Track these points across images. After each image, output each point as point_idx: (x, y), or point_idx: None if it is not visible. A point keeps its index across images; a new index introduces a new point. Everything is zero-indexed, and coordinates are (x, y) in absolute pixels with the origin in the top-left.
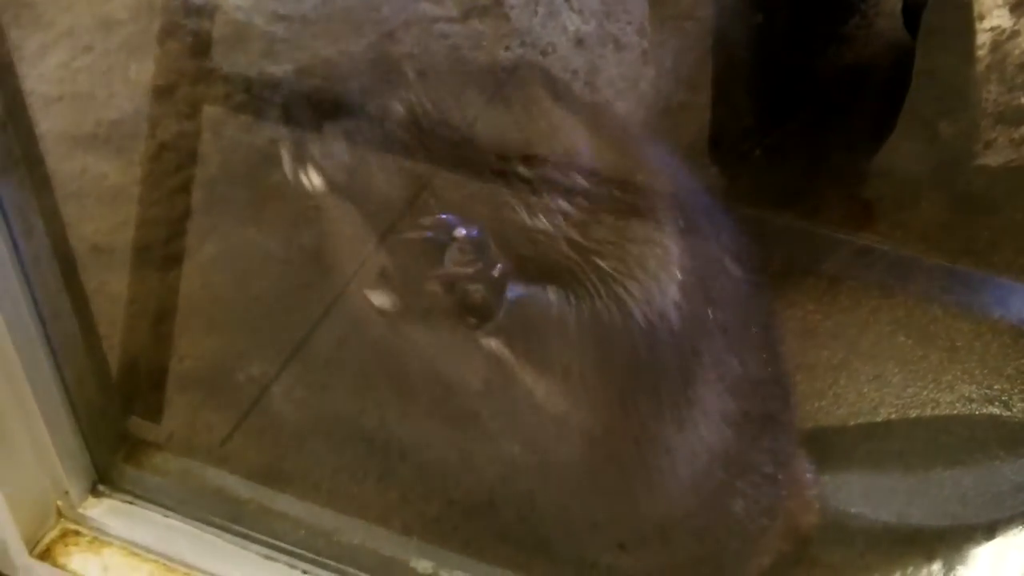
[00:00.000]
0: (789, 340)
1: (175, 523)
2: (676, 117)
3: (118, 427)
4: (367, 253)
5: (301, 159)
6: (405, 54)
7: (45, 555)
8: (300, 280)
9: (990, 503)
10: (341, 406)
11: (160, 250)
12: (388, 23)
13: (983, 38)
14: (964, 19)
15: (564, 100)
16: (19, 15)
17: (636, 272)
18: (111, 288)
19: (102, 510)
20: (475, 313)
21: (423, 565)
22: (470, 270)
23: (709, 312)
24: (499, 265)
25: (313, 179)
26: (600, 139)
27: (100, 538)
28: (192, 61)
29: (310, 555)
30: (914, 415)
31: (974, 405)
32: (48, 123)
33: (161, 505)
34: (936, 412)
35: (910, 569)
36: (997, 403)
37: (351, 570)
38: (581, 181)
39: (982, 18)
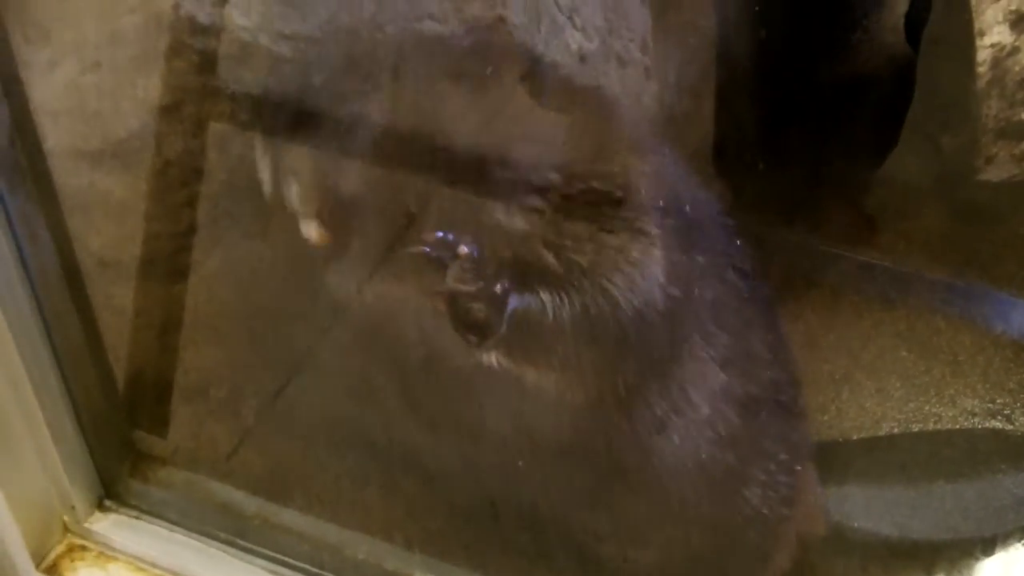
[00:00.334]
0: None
1: (181, 537)
2: (679, 129)
3: (124, 441)
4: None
5: (281, 176)
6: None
7: (51, 570)
8: (304, 293)
9: (992, 517)
10: (346, 418)
11: (166, 264)
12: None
13: (984, 55)
14: (965, 34)
15: (543, 91)
16: (27, 31)
17: (618, 261)
18: (117, 302)
19: (108, 524)
20: (477, 331)
21: None
22: (473, 288)
23: (696, 291)
24: (500, 283)
25: (293, 196)
26: (578, 127)
27: (106, 553)
28: (198, 79)
29: (315, 570)
30: (916, 429)
31: (976, 419)
32: (55, 138)
33: (167, 519)
34: (938, 426)
35: None
36: (999, 417)
37: None
38: (555, 176)
39: (983, 34)
